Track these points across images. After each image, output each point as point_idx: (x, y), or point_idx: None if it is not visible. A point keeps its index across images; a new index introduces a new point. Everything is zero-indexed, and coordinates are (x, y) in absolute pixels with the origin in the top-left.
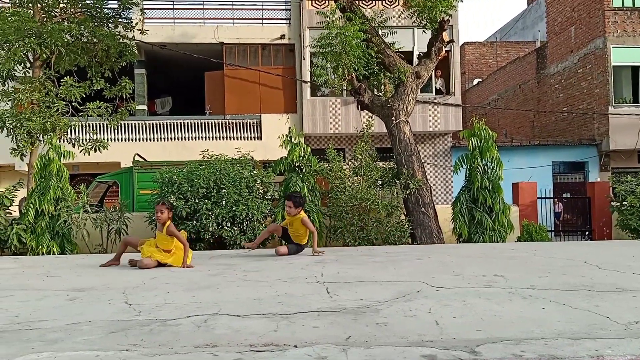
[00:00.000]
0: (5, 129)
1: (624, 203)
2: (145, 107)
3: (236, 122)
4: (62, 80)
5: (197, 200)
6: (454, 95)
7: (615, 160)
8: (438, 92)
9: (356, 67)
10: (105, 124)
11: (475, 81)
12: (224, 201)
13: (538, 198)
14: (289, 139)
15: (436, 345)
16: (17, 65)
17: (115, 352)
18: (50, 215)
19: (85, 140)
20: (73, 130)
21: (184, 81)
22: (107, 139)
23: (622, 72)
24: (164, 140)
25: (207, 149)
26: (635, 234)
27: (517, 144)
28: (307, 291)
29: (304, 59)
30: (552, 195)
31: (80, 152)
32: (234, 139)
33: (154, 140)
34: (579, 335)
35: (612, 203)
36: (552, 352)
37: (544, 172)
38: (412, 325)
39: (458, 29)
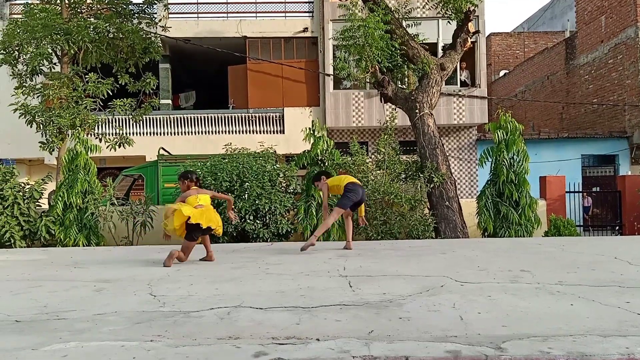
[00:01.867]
0: (35, 123)
1: None
2: (169, 101)
3: (259, 116)
4: (86, 76)
5: None
6: (480, 87)
7: None
8: (463, 84)
9: (379, 60)
10: (129, 118)
11: (502, 73)
12: (246, 194)
13: (566, 192)
14: (312, 132)
15: (460, 340)
16: (45, 61)
17: (140, 343)
18: (78, 207)
19: (111, 135)
20: (100, 125)
21: (207, 75)
22: (132, 133)
23: None
24: (188, 134)
25: (230, 143)
26: None
27: (544, 136)
28: (329, 285)
29: (326, 51)
30: (581, 189)
31: (107, 147)
32: (256, 132)
33: (178, 134)
34: (608, 333)
35: None
36: (581, 349)
37: (572, 165)
38: (436, 320)
39: (484, 19)
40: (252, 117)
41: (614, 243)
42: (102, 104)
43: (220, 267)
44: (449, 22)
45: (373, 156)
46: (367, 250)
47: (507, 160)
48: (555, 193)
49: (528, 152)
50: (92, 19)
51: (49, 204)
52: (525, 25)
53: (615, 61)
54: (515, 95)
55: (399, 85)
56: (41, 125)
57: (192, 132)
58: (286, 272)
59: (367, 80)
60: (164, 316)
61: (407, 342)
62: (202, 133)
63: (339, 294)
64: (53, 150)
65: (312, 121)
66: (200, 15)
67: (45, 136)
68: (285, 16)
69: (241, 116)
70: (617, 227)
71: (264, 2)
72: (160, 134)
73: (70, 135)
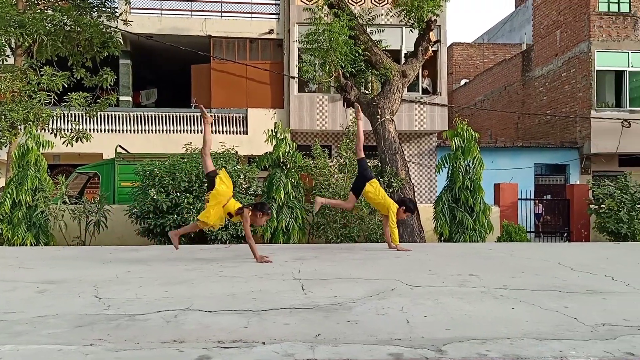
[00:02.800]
0: None
1: (602, 206)
2: (130, 98)
3: (222, 116)
4: (42, 70)
5: (178, 194)
6: (440, 95)
7: (596, 163)
8: (425, 91)
9: (343, 64)
10: (85, 114)
11: (463, 82)
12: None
13: (519, 199)
14: (274, 134)
15: (404, 343)
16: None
17: (79, 347)
18: (27, 205)
19: (68, 130)
20: (55, 120)
21: (170, 73)
22: (90, 130)
23: (605, 77)
24: (149, 132)
25: (190, 142)
26: (612, 236)
27: (500, 145)
28: (282, 288)
29: (292, 54)
30: (533, 197)
31: (63, 143)
32: (220, 132)
33: (138, 132)
34: (545, 336)
35: (590, 206)
36: (517, 352)
37: (526, 173)
38: (383, 324)
39: (446, 29)
40: (215, 117)
41: (560, 249)
42: (57, 99)
43: (173, 268)
44: (411, 30)
45: (335, 160)
46: (325, 252)
47: (462, 167)
48: (508, 200)
49: (484, 159)
50: (49, 11)
51: None
52: (486, 37)
53: (568, 74)
54: (474, 104)
55: (362, 91)
56: None
57: (152, 131)
58: (240, 275)
59: (331, 84)
60: (108, 319)
61: (352, 345)
62: (163, 132)
63: (291, 297)
64: (5, 145)
65: (275, 123)
66: (163, 11)
67: None
68: (251, 17)
69: None
70: (565, 234)
71: (229, 2)
72: (119, 132)
73: (22, 130)
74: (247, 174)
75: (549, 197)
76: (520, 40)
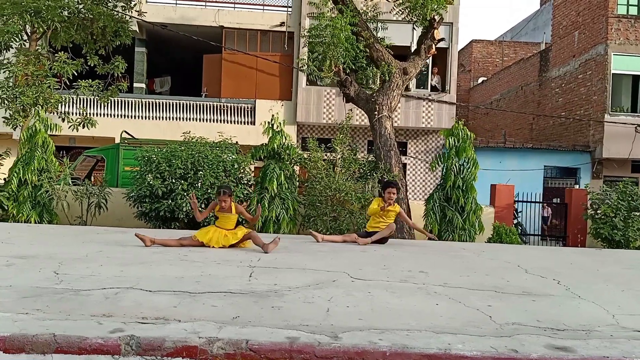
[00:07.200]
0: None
1: (598, 212)
2: (144, 85)
3: (231, 106)
4: (56, 55)
5: (173, 180)
6: (449, 92)
7: (607, 168)
8: (433, 88)
9: (343, 60)
10: (96, 99)
11: (480, 79)
12: (199, 183)
13: (516, 201)
14: (271, 126)
15: (308, 329)
16: (15, 37)
17: (13, 314)
18: (33, 185)
19: (76, 114)
20: (67, 105)
21: (183, 62)
22: (103, 115)
23: (621, 80)
24: (159, 119)
25: (189, 131)
26: (606, 243)
27: (510, 145)
28: (231, 273)
29: (302, 47)
30: (541, 200)
31: (69, 127)
32: (228, 122)
33: (149, 119)
34: (446, 330)
35: (586, 211)
36: (406, 342)
37: (535, 175)
38: (303, 311)
39: (458, 26)
40: (224, 107)
41: (535, 252)
42: (68, 84)
43: (144, 251)
44: (414, 27)
45: (329, 154)
46: (298, 244)
47: (456, 167)
48: (503, 201)
49: (492, 159)
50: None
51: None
52: (509, 34)
53: (584, 76)
54: (491, 102)
55: (363, 87)
56: (6, 101)
57: (163, 118)
58: (201, 260)
59: (332, 78)
60: (54, 292)
61: (258, 327)
62: (172, 119)
63: (233, 283)
64: (16, 127)
65: (272, 115)
66: (178, 1)
67: (9, 112)
68: (264, 9)
69: (213, 105)
70: (562, 239)
71: None
72: (132, 117)
73: (32, 113)
74: (242, 163)
75: (557, 200)
76: (541, 39)
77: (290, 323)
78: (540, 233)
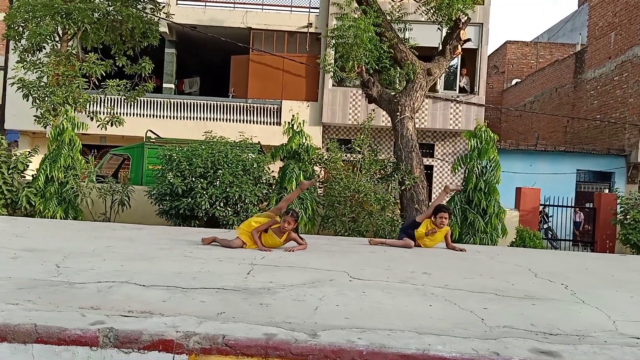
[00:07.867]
0: (31, 97)
1: (627, 217)
2: (173, 85)
3: (257, 107)
4: (87, 56)
5: (193, 179)
6: (478, 94)
7: None
8: (462, 90)
9: (367, 61)
10: (125, 99)
11: (514, 81)
12: (218, 181)
13: (544, 205)
14: (291, 126)
15: (288, 326)
16: (47, 38)
17: (1, 304)
18: (59, 182)
19: (103, 114)
20: (96, 104)
21: (212, 63)
22: (133, 114)
23: None
24: (187, 119)
25: (211, 130)
26: (635, 249)
27: (541, 148)
28: (230, 270)
29: (328, 48)
30: (573, 204)
31: (98, 126)
32: (254, 122)
33: (177, 119)
34: (431, 331)
35: (615, 216)
36: (385, 342)
37: (567, 179)
38: (291, 309)
39: (488, 27)
40: (250, 107)
41: (550, 257)
42: (97, 84)
43: (151, 247)
44: (439, 28)
45: (349, 155)
46: (309, 243)
47: (478, 169)
48: (528, 205)
49: (522, 163)
50: (97, 1)
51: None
52: (546, 35)
53: (620, 78)
54: (524, 105)
55: (387, 87)
56: (37, 100)
57: (190, 118)
58: (204, 257)
59: (354, 79)
60: (50, 285)
61: (239, 323)
62: (200, 119)
63: (229, 279)
64: (47, 125)
65: (292, 115)
66: (207, 3)
67: (40, 111)
68: (291, 10)
69: (240, 105)
70: (590, 244)
71: None
72: (161, 117)
73: (62, 112)
74: (261, 163)
75: (590, 205)
76: (578, 40)
77: (274, 320)
78: (572, 238)
